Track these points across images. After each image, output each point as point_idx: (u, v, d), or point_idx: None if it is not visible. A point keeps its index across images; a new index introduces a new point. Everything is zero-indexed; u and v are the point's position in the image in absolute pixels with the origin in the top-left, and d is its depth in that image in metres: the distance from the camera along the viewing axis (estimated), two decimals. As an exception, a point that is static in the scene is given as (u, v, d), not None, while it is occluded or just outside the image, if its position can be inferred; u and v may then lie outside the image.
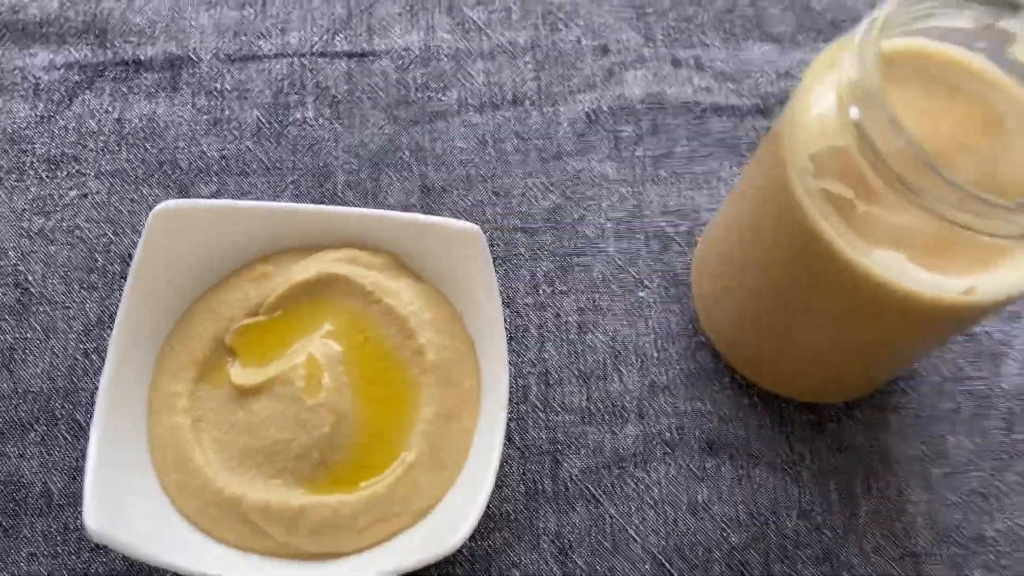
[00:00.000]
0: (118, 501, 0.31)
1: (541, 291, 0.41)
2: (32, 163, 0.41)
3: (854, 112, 0.27)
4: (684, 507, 0.38)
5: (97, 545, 0.35)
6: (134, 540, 0.30)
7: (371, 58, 0.45)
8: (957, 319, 0.29)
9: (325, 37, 0.45)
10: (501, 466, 0.38)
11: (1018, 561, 0.38)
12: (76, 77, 0.43)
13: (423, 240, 0.36)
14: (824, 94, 0.29)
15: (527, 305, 0.41)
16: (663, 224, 0.43)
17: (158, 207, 0.34)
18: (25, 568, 0.35)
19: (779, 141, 0.31)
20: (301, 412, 0.33)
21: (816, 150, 0.29)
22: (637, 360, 0.40)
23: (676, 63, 0.47)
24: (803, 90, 0.30)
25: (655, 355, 0.41)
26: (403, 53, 0.46)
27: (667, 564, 0.37)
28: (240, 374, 0.34)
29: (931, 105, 0.31)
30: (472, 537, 0.37)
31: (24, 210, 0.41)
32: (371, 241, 0.36)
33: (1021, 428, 0.40)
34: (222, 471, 0.33)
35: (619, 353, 0.40)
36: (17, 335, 0.38)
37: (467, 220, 0.41)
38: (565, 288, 0.42)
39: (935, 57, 0.32)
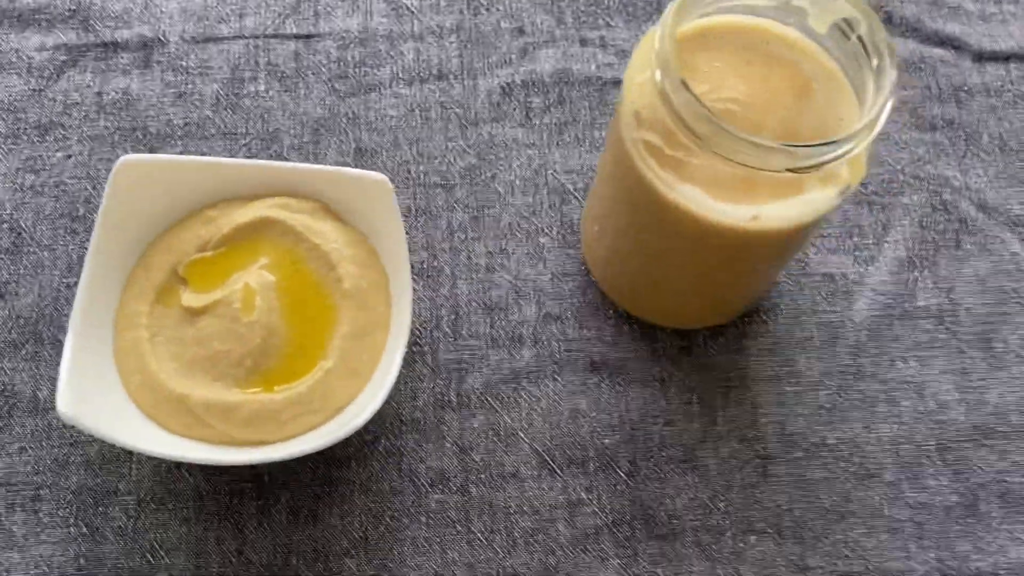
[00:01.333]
0: (87, 394, 0.38)
1: (456, 238, 0.48)
2: (25, 129, 0.49)
3: (658, 75, 0.34)
4: (566, 415, 0.45)
5: (75, 441, 0.43)
6: (99, 424, 0.37)
7: (316, 39, 0.52)
8: (749, 243, 0.36)
9: (277, 21, 0.53)
10: (415, 381, 0.45)
11: (855, 463, 0.45)
12: (63, 57, 0.51)
13: (344, 189, 0.43)
14: (648, 62, 0.36)
15: (443, 249, 0.48)
16: (564, 181, 0.50)
17: (121, 160, 0.41)
18: (17, 458, 0.43)
19: (617, 102, 0.38)
20: (238, 328, 0.40)
21: (638, 107, 0.36)
22: (535, 295, 0.47)
23: (584, 42, 0.54)
24: (635, 58, 0.37)
25: (551, 291, 0.48)
26: (344, 35, 0.53)
27: (549, 460, 0.44)
28: (190, 298, 0.42)
29: (751, 71, 0.38)
30: (388, 437, 0.44)
31: (18, 168, 0.48)
32: (302, 191, 0.44)
33: (866, 354, 0.47)
34: (173, 375, 0.40)
35: (520, 289, 0.47)
36: (11, 272, 0.46)
37: (395, 179, 0.49)
38: (476, 235, 0.49)
39: (753, 30, 0.38)
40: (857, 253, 0.49)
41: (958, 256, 0.50)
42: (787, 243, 0.38)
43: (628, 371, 0.46)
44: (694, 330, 0.47)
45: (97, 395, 0.39)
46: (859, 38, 0.35)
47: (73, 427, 0.37)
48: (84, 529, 0.41)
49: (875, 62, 0.34)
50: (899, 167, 0.52)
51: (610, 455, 0.44)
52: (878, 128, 0.33)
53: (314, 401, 0.40)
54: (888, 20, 0.55)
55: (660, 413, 0.45)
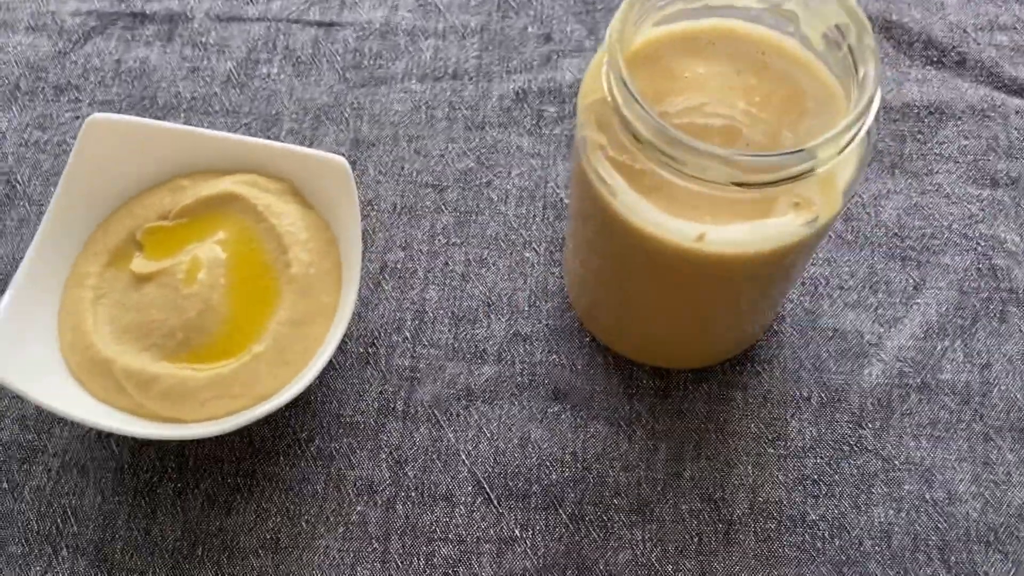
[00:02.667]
0: (14, 347, 0.38)
1: (437, 241, 0.46)
2: (43, 88, 0.50)
3: (604, 67, 0.30)
4: (516, 442, 0.41)
5: (15, 395, 0.42)
6: (15, 379, 0.36)
7: (337, 28, 0.51)
8: (698, 267, 0.32)
9: (302, 6, 0.52)
10: (363, 383, 0.42)
11: (835, 548, 0.39)
12: (93, 23, 0.52)
13: (307, 170, 0.41)
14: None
15: (421, 251, 0.46)
16: (563, 196, 0.47)
17: (90, 118, 0.41)
18: (-38, 405, 0.43)
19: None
20: (176, 299, 0.39)
21: (589, 101, 0.32)
22: (508, 311, 0.44)
23: (613, 56, 0.50)
24: (597, 55, 0.34)
25: (526, 309, 0.44)
26: (366, 25, 0.51)
27: (487, 488, 0.40)
28: (140, 264, 0.41)
29: (740, 81, 0.34)
30: (322, 438, 0.41)
31: (27, 124, 0.49)
32: (270, 169, 0.42)
33: (869, 425, 0.41)
34: (106, 338, 0.39)
35: (492, 303, 0.44)
36: (-3, 222, 0.46)
37: (386, 173, 0.47)
38: (459, 241, 0.46)
39: (748, 37, 0.34)
40: (880, 311, 0.44)
41: (1001, 330, 0.43)
42: (748, 275, 0.33)
43: (593, 405, 0.42)
44: (677, 371, 0.42)
45: (29, 351, 0.38)
46: (848, 47, 0.31)
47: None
48: (4, 484, 0.41)
49: (861, 72, 0.30)
50: (946, 223, 0.46)
51: (555, 493, 0.40)
52: (850, 147, 0.29)
53: (236, 385, 0.38)
54: (961, 62, 0.50)
55: (620, 456, 0.41)
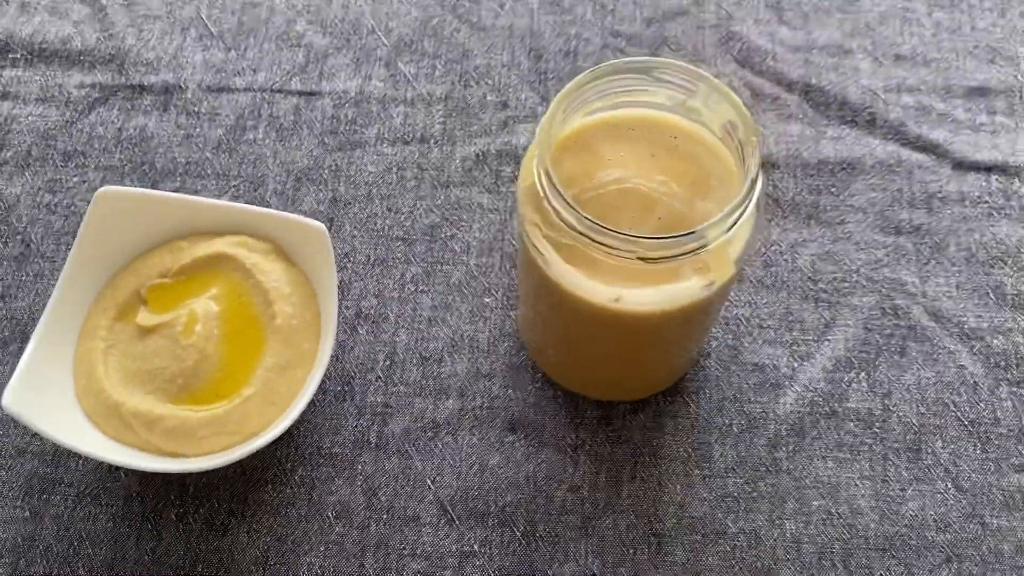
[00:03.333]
0: (38, 392, 0.43)
1: (406, 289, 0.52)
2: (52, 155, 0.56)
3: (535, 161, 0.36)
4: (476, 468, 0.47)
5: (35, 432, 0.48)
6: (38, 420, 0.42)
7: (316, 96, 0.58)
8: (617, 322, 0.38)
9: (284, 78, 0.58)
10: (340, 418, 0.48)
11: (752, 556, 0.45)
12: (96, 94, 0.58)
13: (290, 233, 0.47)
14: (542, 144, 0.39)
15: (392, 298, 0.52)
16: (517, 247, 0.53)
17: (99, 191, 0.47)
18: (-12, 442, 0.48)
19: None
20: (176, 349, 0.45)
21: (527, 184, 0.38)
22: (470, 351, 0.50)
23: (563, 119, 0.56)
24: (536, 137, 0.40)
25: (486, 349, 0.50)
26: (342, 94, 0.58)
27: (450, 509, 0.46)
28: (144, 317, 0.46)
29: (654, 163, 0.40)
30: (304, 467, 0.47)
31: (40, 188, 0.55)
32: (258, 231, 0.48)
33: (783, 448, 0.47)
34: (116, 384, 0.45)
35: (456, 344, 0.50)
36: (15, 277, 0.52)
37: (361, 228, 0.53)
38: (426, 288, 0.52)
39: (663, 124, 0.40)
40: (794, 348, 0.50)
41: (901, 363, 0.49)
42: (661, 328, 0.39)
43: (544, 434, 0.48)
44: (616, 402, 0.49)
45: (47, 393, 0.44)
46: (739, 141, 0.37)
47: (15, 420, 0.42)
48: (27, 512, 0.46)
49: (746, 163, 0.36)
50: (854, 267, 0.52)
51: (510, 513, 0.46)
52: (736, 225, 0.35)
53: (230, 423, 0.44)
54: (871, 121, 0.56)
55: (567, 479, 0.47)
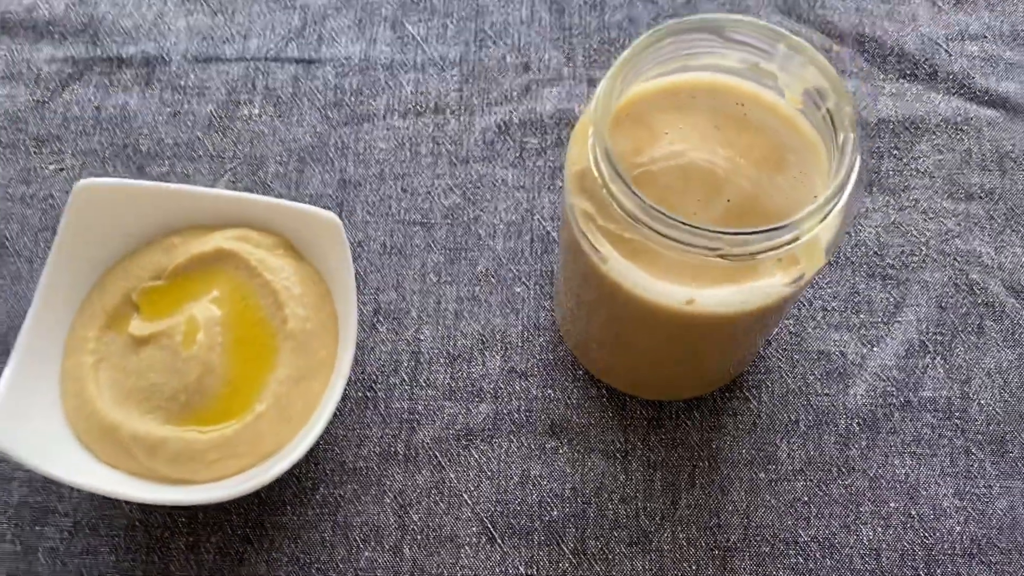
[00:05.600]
0: (21, 418, 0.38)
1: (428, 279, 0.47)
2: (24, 140, 0.50)
3: (591, 140, 0.31)
4: (516, 480, 0.42)
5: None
6: (26, 452, 0.37)
7: (316, 65, 0.52)
8: (688, 325, 0.33)
9: (280, 44, 0.52)
10: (363, 427, 0.43)
11: (826, 567, 0.41)
12: (69, 70, 0.51)
13: (298, 224, 0.42)
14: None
15: (413, 291, 0.46)
16: (549, 228, 0.47)
17: (78, 184, 0.41)
18: (-32, 468, 0.43)
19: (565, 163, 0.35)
20: (176, 362, 0.40)
21: (577, 169, 0.33)
22: (502, 348, 0.45)
23: (591, 82, 0.51)
24: (582, 119, 0.34)
25: (519, 345, 0.45)
26: (344, 61, 0.52)
27: (491, 527, 0.42)
28: (137, 326, 0.41)
29: (719, 135, 0.35)
30: (327, 485, 0.42)
31: (11, 179, 0.49)
32: (262, 223, 0.43)
33: (856, 445, 0.43)
34: (109, 403, 0.40)
35: (487, 340, 0.45)
36: (-10, 281, 0.47)
37: (374, 213, 0.47)
38: (449, 279, 0.47)
39: (727, 90, 0.35)
40: (863, 332, 0.45)
41: (979, 344, 0.45)
42: (735, 330, 0.34)
43: (590, 439, 0.43)
44: (669, 401, 0.44)
45: (33, 419, 0.39)
46: (828, 111, 0.31)
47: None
48: (19, 547, 0.41)
49: (840, 137, 0.31)
50: (923, 239, 0.47)
51: (557, 529, 0.42)
52: (830, 216, 0.30)
53: (241, 445, 0.39)
54: (933, 75, 0.51)
55: (618, 488, 0.42)
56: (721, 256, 0.29)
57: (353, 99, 0.51)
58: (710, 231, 0.28)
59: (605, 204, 0.31)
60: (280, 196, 0.47)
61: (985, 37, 0.52)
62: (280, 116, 0.50)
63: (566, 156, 0.34)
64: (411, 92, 0.51)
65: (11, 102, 0.51)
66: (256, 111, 0.50)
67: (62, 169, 0.49)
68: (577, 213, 0.33)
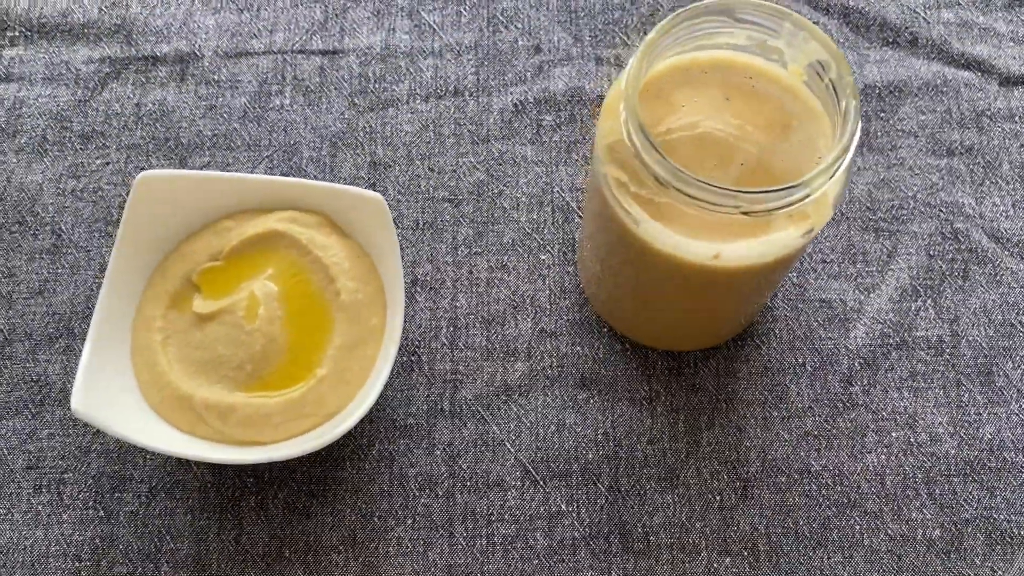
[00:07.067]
0: (102, 392, 0.42)
1: (460, 252, 0.50)
2: (70, 138, 0.53)
3: (623, 113, 0.35)
4: (553, 428, 0.47)
5: (97, 430, 0.46)
6: (109, 421, 0.41)
7: (340, 55, 0.55)
8: (714, 279, 0.37)
9: (304, 37, 0.55)
10: (410, 389, 0.47)
11: (837, 492, 0.45)
12: (107, 69, 0.54)
13: (345, 205, 0.45)
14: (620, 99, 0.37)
15: (447, 263, 0.50)
16: (568, 199, 0.51)
17: (140, 175, 0.44)
18: (46, 443, 0.47)
19: (595, 134, 0.39)
20: (240, 335, 0.43)
21: (609, 142, 0.37)
22: (532, 310, 0.49)
23: (599, 61, 0.55)
24: (611, 93, 0.38)
25: (548, 307, 0.49)
26: (367, 51, 0.55)
27: (533, 471, 0.46)
28: (200, 304, 0.45)
29: (730, 106, 0.39)
30: (381, 442, 0.46)
31: (62, 174, 0.52)
32: (309, 205, 0.46)
33: (858, 383, 0.47)
34: (180, 375, 0.43)
35: (518, 304, 0.49)
36: (50, 271, 0.50)
37: (405, 192, 0.51)
38: (479, 250, 0.50)
39: (737, 65, 0.39)
40: (859, 280, 0.49)
41: (965, 287, 0.49)
42: (755, 280, 0.39)
43: (617, 389, 0.47)
44: (687, 352, 0.48)
45: (111, 392, 0.43)
46: (830, 81, 0.35)
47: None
48: (101, 512, 0.45)
49: (843, 104, 0.35)
50: (910, 193, 0.51)
51: (593, 470, 0.46)
52: (837, 174, 0.34)
53: (306, 406, 0.43)
54: (913, 41, 0.55)
55: (645, 431, 0.46)
56: (744, 213, 0.33)
57: (377, 86, 0.54)
58: (733, 191, 0.32)
59: (637, 172, 0.35)
60: (316, 179, 0.51)
61: (959, 4, 0.56)
62: (310, 105, 0.54)
63: (596, 130, 0.38)
64: (431, 77, 0.54)
65: (54, 102, 0.54)
66: (287, 101, 0.54)
67: (108, 163, 0.52)
68: (611, 181, 0.37)
